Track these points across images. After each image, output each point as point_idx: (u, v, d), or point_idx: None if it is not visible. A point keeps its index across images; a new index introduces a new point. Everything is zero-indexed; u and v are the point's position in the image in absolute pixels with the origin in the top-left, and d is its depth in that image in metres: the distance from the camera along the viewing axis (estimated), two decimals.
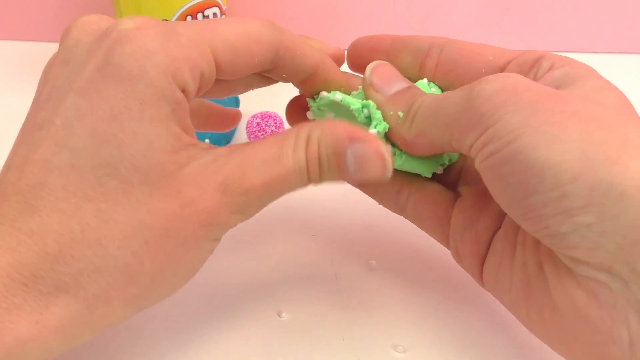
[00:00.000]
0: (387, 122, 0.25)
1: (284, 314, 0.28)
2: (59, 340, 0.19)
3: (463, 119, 0.22)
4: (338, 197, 0.36)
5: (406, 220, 0.30)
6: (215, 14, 0.44)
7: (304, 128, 0.23)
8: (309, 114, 0.28)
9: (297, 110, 0.29)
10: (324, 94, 0.26)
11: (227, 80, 0.25)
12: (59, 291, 0.19)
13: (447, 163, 0.27)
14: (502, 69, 0.25)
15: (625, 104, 0.22)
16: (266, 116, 0.39)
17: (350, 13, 0.53)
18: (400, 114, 0.24)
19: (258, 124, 0.39)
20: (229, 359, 0.26)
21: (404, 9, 0.53)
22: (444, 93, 0.24)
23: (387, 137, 0.25)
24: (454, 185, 0.28)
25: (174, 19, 0.42)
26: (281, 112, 0.40)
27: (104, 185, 0.20)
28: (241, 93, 0.29)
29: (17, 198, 0.20)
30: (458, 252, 0.26)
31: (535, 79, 0.24)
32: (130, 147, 0.20)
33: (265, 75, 0.27)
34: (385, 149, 0.23)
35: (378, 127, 0.25)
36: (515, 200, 0.20)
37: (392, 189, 0.28)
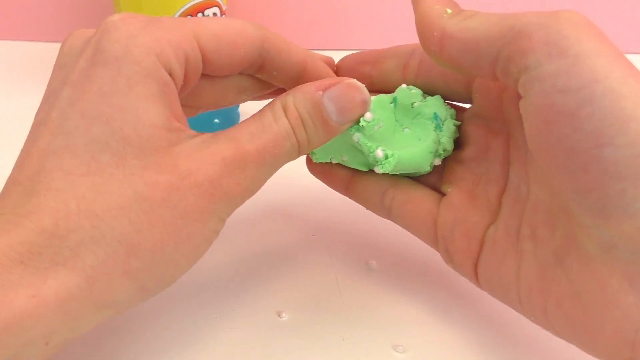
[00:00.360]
0: (423, 15, 0.23)
1: (284, 314, 0.28)
2: (58, 316, 0.19)
3: (536, 33, 0.19)
4: (338, 197, 0.36)
5: None
6: (215, 14, 0.44)
7: (276, 100, 0.24)
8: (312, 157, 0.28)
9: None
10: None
11: (217, 79, 0.25)
12: (57, 265, 0.19)
13: (442, 153, 0.27)
14: None
15: None
16: None
17: (351, 13, 0.53)
18: (449, 10, 0.22)
19: None
20: (229, 359, 0.26)
21: (404, 10, 0.53)
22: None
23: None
24: (436, 187, 0.28)
25: None
26: None
27: (98, 161, 0.20)
28: (236, 101, 0.28)
29: (17, 189, 0.20)
30: (448, 251, 0.26)
31: None
32: (118, 121, 0.21)
33: (257, 78, 0.27)
34: (357, 81, 0.24)
35: (382, 168, 0.26)
36: (582, 149, 0.19)
37: (377, 192, 0.28)
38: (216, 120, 0.39)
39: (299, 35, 0.54)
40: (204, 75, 0.24)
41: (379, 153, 0.26)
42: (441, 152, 0.26)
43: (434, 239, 0.26)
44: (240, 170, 0.22)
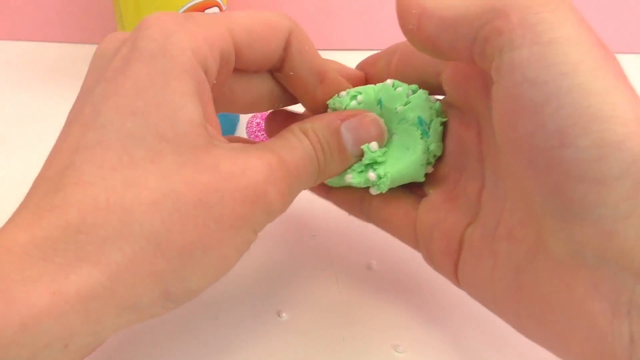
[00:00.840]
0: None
1: (284, 314, 0.28)
2: (79, 315, 0.18)
3: (514, 13, 0.18)
4: None
5: None
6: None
7: (294, 126, 0.24)
8: None
9: (278, 124, 0.29)
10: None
11: (246, 76, 0.25)
12: (81, 261, 0.18)
13: (432, 161, 0.26)
14: None
15: None
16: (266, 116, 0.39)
17: (350, 13, 0.53)
18: None
19: (258, 123, 0.39)
20: (229, 359, 0.26)
21: None
22: None
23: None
24: (417, 188, 0.27)
25: None
26: None
27: (131, 155, 0.19)
28: (261, 107, 0.27)
29: (44, 184, 0.20)
30: (428, 252, 0.25)
31: None
32: (154, 116, 0.20)
33: (279, 82, 0.26)
34: (376, 115, 0.25)
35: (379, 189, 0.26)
36: (545, 149, 0.18)
37: (355, 197, 0.28)
38: None
39: None
40: (234, 72, 0.24)
41: (372, 176, 0.25)
42: (432, 160, 0.26)
43: (415, 241, 0.26)
44: (284, 180, 0.21)
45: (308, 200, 0.35)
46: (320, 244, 0.32)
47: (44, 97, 0.46)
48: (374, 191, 0.26)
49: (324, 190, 0.29)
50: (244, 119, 0.42)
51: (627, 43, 0.54)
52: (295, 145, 0.23)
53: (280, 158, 0.21)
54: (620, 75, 0.18)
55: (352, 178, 0.26)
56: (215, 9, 0.43)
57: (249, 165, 0.20)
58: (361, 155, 0.25)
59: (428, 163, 0.26)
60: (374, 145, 0.25)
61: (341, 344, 0.26)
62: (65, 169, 0.19)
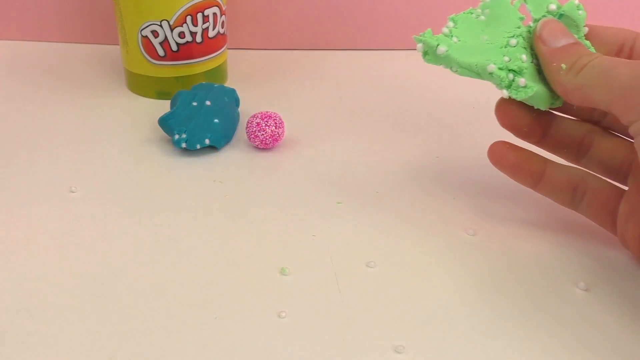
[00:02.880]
0: (548, 73, 0.29)
1: (284, 314, 0.28)
2: None
3: (630, 94, 0.23)
4: (338, 197, 0.36)
5: (406, 220, 0.30)
6: (215, 14, 0.44)
7: None
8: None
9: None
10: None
11: None
12: None
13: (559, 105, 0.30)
14: None
15: None
16: (266, 116, 0.39)
17: (351, 13, 0.53)
18: (563, 66, 0.27)
19: (258, 123, 0.39)
20: (229, 359, 0.26)
21: (404, 10, 0.53)
22: (614, 60, 0.26)
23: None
24: (624, 179, 0.30)
25: (173, 19, 0.42)
26: (281, 112, 0.40)
27: None
28: None
29: None
30: (624, 238, 0.29)
31: None
32: None
33: None
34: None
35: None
36: None
37: (568, 188, 0.31)
38: (216, 120, 0.39)
39: (298, 35, 0.54)
40: None
41: (522, 81, 0.29)
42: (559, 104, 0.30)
43: (615, 228, 0.30)
44: None
45: (308, 200, 0.35)
46: (320, 244, 0.32)
47: (44, 97, 0.46)
48: (506, 94, 0.29)
49: (532, 180, 0.31)
50: (243, 118, 0.42)
51: None
52: None
53: None
54: None
55: (495, 69, 0.28)
56: (216, 9, 0.43)
57: None
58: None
59: (555, 97, 0.30)
60: (524, 57, 0.29)
61: (341, 344, 0.26)
62: None
